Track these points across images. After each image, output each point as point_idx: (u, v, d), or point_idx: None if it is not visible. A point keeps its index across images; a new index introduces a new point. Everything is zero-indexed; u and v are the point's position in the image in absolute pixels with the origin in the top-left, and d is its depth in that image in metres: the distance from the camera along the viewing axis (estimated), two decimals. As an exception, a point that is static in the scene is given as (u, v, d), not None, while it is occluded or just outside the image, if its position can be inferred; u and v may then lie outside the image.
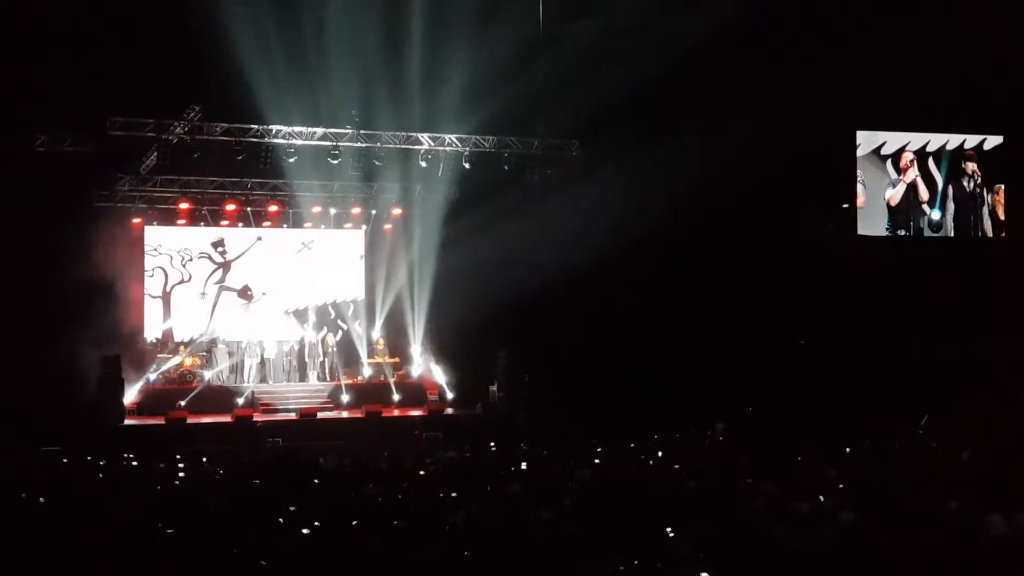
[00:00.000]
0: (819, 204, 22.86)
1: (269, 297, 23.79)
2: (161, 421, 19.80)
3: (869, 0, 20.61)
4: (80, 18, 18.29)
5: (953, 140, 22.83)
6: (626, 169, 21.98)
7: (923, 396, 18.76)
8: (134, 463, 14.78)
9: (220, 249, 23.82)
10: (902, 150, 22.55)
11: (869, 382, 19.76)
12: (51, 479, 12.71)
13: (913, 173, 22.61)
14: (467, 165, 22.34)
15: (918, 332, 20.69)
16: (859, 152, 22.34)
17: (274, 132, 21.01)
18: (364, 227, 24.54)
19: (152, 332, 22.80)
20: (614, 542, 8.32)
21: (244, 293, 23.80)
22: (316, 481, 11.92)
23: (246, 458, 15.17)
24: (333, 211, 23.92)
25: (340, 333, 23.85)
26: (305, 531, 8.74)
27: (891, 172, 22.55)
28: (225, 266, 23.87)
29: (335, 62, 19.85)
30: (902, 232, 22.55)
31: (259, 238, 23.90)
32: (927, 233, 22.67)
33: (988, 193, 23.01)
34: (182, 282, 23.49)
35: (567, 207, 21.68)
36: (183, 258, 23.48)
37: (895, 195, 22.58)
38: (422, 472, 12.86)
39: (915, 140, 22.66)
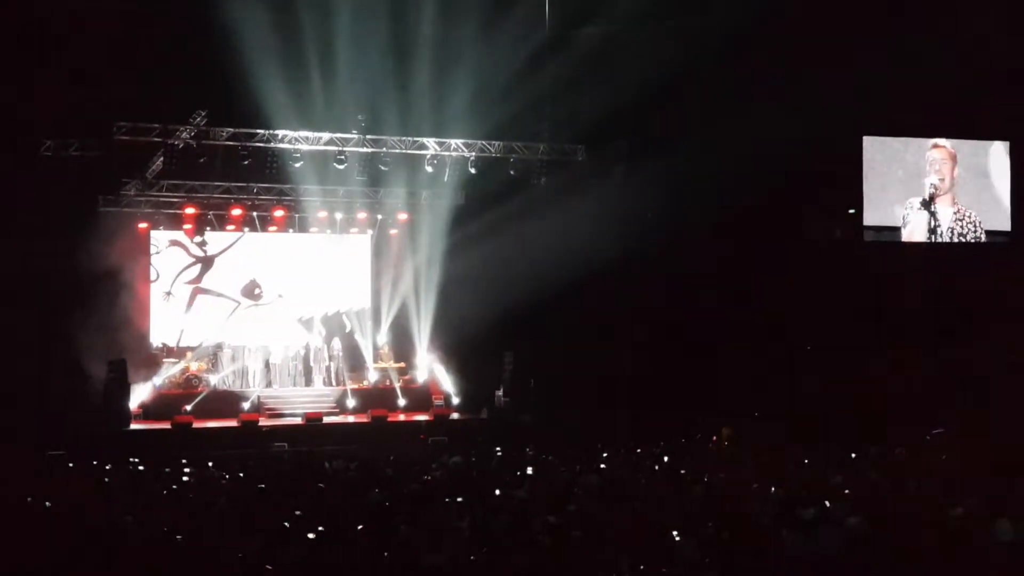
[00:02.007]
0: (826, 209, 22.86)
1: (275, 299, 23.71)
2: (167, 425, 19.83)
3: (874, 6, 20.61)
4: (86, 23, 18.32)
5: (960, 145, 22.81)
6: (631, 175, 21.99)
7: (930, 399, 18.77)
8: (140, 467, 14.79)
9: (198, 239, 23.15)
10: (911, 155, 22.56)
11: (876, 387, 19.74)
12: (57, 483, 12.74)
13: (920, 178, 22.57)
14: (473, 170, 22.30)
15: (924, 336, 20.64)
16: (867, 159, 22.31)
17: (280, 137, 20.99)
18: (370, 232, 24.52)
19: (158, 337, 22.69)
20: (620, 547, 8.31)
21: (251, 292, 23.73)
22: (322, 485, 11.93)
23: (252, 462, 15.20)
24: (339, 216, 23.90)
25: (346, 338, 23.79)
26: (311, 535, 8.73)
27: (898, 176, 22.51)
28: (206, 261, 23.43)
29: (341, 67, 19.86)
30: (909, 236, 22.49)
31: (244, 231, 23.41)
32: (934, 237, 22.61)
33: (994, 196, 22.96)
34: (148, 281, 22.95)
35: (573, 212, 21.69)
36: (153, 249, 22.89)
37: (901, 199, 22.53)
38: (428, 477, 12.87)
39: (922, 145, 22.63)
